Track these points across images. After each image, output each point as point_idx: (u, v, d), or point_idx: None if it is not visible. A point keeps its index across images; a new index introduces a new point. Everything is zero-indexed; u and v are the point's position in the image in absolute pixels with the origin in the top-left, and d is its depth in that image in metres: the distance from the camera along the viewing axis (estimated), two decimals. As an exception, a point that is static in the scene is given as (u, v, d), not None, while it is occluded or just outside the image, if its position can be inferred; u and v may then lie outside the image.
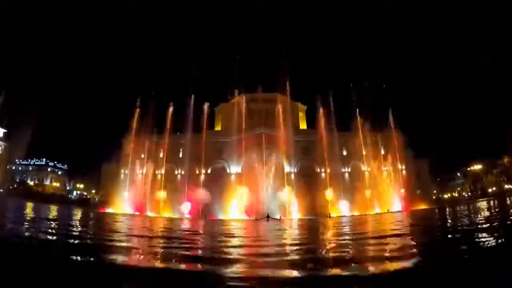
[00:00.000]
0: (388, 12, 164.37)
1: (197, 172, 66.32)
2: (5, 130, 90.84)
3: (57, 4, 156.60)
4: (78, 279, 5.14)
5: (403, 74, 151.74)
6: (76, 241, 10.44)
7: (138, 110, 66.87)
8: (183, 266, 7.03)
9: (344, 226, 24.65)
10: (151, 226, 24.61)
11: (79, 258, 7.01)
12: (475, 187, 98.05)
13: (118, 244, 10.67)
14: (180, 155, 67.60)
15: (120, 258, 7.68)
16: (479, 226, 15.08)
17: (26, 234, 10.96)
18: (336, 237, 15.38)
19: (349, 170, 66.39)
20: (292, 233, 19.46)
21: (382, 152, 67.14)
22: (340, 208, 60.52)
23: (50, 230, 13.18)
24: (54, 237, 11.03)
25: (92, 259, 7.08)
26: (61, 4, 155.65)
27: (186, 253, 9.32)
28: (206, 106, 67.76)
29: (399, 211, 56.89)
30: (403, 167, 66.43)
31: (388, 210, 59.10)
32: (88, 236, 13.26)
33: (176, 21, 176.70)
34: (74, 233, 13.16)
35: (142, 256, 8.35)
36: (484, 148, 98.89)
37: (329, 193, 61.77)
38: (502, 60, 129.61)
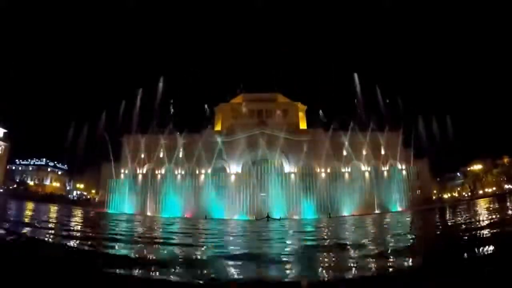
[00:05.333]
0: (388, 11, 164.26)
1: (197, 172, 66.31)
2: (5, 130, 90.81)
3: (58, 4, 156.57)
4: None
5: (404, 73, 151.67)
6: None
7: (138, 109, 66.77)
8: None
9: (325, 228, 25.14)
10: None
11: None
12: (475, 187, 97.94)
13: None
14: (180, 155, 67.55)
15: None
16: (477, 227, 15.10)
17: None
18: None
19: (349, 170, 66.33)
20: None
21: (382, 152, 67.06)
22: (340, 209, 60.49)
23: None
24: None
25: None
26: (63, 4, 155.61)
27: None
28: (206, 106, 67.93)
29: (398, 212, 56.87)
30: (403, 167, 66.36)
31: (387, 210, 59.09)
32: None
33: (176, 21, 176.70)
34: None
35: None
36: (484, 148, 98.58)
37: (328, 194, 61.84)
38: (502, 59, 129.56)
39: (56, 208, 43.28)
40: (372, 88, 66.01)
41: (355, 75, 65.98)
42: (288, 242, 15.79)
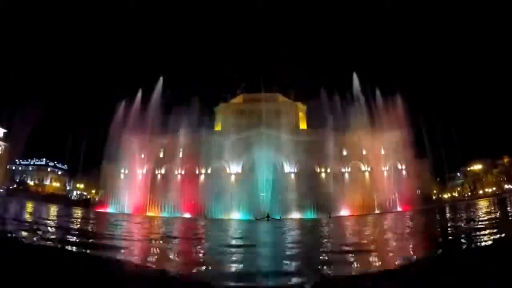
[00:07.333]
0: (388, 11, 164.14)
1: (197, 172, 66.34)
2: (5, 130, 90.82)
3: (58, 4, 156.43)
4: None
5: (404, 73, 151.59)
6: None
7: (138, 109, 66.82)
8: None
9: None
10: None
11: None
12: (475, 187, 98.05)
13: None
14: (180, 155, 67.61)
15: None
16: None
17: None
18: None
19: (349, 170, 66.38)
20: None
21: (382, 152, 67.11)
22: (341, 209, 60.55)
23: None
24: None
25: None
26: (63, 4, 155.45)
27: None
28: (206, 106, 68.02)
29: (398, 212, 56.92)
30: (403, 167, 66.39)
31: (388, 210, 59.13)
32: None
33: (176, 20, 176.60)
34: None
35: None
36: (484, 148, 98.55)
37: (329, 194, 61.90)
38: (502, 59, 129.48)
39: (77, 212, 42.17)
40: (372, 87, 66.08)
41: (355, 75, 66.02)
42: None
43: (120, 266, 7.07)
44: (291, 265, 8.01)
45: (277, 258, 9.36)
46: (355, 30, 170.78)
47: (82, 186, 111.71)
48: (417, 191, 66.35)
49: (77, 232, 14.81)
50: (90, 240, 12.02)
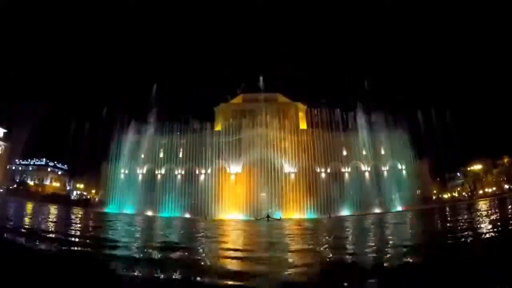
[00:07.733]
0: (388, 10, 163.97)
1: (197, 172, 66.36)
2: (5, 130, 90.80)
3: (58, 4, 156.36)
4: None
5: (404, 72, 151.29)
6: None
7: (137, 110, 66.96)
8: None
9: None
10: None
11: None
12: (475, 187, 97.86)
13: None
14: (180, 155, 67.66)
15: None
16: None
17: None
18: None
19: (349, 170, 66.38)
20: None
21: (382, 152, 67.13)
22: (340, 209, 60.61)
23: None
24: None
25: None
26: (62, 4, 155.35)
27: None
28: (206, 106, 68.07)
29: (398, 212, 56.93)
30: (403, 167, 66.39)
31: (388, 210, 59.14)
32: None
33: (177, 20, 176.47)
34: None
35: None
36: (484, 148, 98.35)
37: (329, 194, 61.94)
38: (502, 58, 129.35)
39: (76, 213, 41.85)
40: (373, 87, 66.06)
41: (359, 105, 66.03)
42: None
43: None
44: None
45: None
46: (354, 28, 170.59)
47: (82, 186, 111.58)
48: (417, 191, 66.35)
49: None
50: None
